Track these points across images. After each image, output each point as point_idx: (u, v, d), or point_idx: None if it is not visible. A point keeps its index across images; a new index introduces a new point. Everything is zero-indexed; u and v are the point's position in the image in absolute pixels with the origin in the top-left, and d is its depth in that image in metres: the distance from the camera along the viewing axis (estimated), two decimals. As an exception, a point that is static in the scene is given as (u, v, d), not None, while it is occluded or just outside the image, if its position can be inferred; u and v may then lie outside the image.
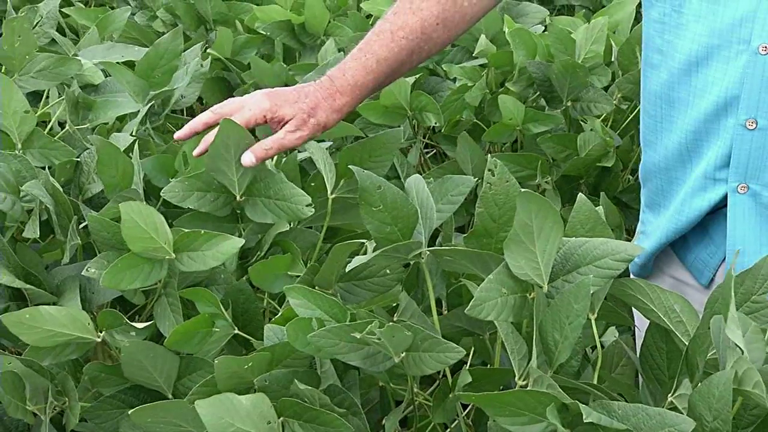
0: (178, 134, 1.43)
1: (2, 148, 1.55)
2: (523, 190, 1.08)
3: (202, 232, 1.34)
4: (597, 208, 1.17)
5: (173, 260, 1.33)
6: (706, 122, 1.33)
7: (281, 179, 1.47)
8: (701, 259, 1.42)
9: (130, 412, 1.16)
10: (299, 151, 1.79)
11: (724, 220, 1.36)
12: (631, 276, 1.49)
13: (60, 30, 2.36)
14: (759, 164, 1.31)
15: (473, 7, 1.45)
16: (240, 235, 1.48)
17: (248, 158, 1.38)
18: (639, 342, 1.48)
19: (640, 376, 1.21)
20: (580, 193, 1.17)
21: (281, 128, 1.41)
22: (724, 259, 1.38)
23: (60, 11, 2.41)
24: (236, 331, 1.34)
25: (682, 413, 1.06)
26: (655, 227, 1.46)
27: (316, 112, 1.41)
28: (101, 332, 1.31)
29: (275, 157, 1.59)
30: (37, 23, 2.18)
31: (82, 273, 1.35)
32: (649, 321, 1.17)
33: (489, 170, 1.15)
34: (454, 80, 2.43)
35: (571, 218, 1.17)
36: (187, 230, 1.34)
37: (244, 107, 1.40)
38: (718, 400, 0.97)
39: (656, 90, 1.41)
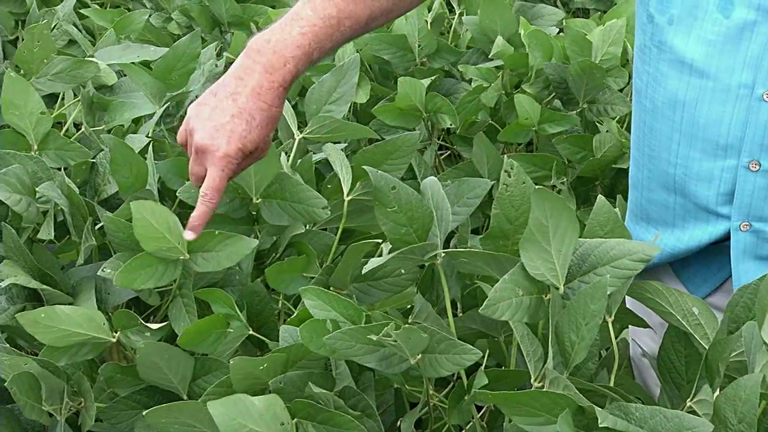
0: (189, 236, 1.31)
1: (19, 150, 1.56)
2: (538, 188, 1.07)
3: (216, 232, 1.34)
4: (615, 209, 1.17)
5: (187, 260, 1.33)
6: (702, 161, 1.31)
7: (297, 182, 1.47)
8: (700, 275, 1.40)
9: (144, 413, 1.16)
10: (314, 153, 1.80)
11: (723, 251, 1.34)
12: None
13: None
14: (762, 204, 1.30)
15: None
16: (256, 237, 1.48)
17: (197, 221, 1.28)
18: (632, 344, 1.47)
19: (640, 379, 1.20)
20: (600, 195, 1.16)
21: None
22: (725, 281, 1.37)
23: (76, 12, 2.42)
24: (251, 332, 1.34)
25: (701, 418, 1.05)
26: (645, 238, 1.43)
27: (271, 120, 1.29)
28: (116, 333, 1.31)
29: (290, 159, 1.59)
30: (55, 25, 2.19)
31: (98, 273, 1.35)
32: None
33: (505, 171, 1.15)
34: (470, 81, 2.42)
35: (590, 220, 1.16)
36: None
37: (224, 166, 1.28)
38: (745, 403, 0.96)
39: (639, 114, 1.39)
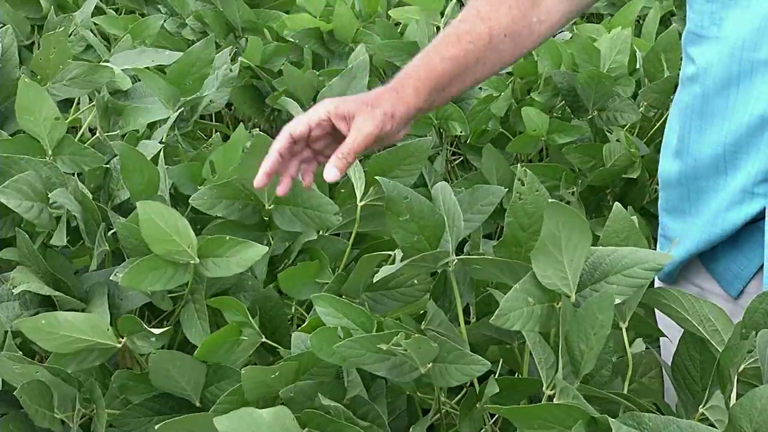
0: (257, 184, 1.32)
1: (33, 155, 1.56)
2: (551, 201, 1.07)
3: (227, 238, 1.34)
4: (632, 217, 1.17)
5: (198, 265, 1.33)
6: (748, 136, 1.32)
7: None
8: (731, 271, 1.40)
9: (156, 427, 1.16)
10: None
11: (756, 233, 1.34)
12: (656, 283, 1.48)
13: (92, 38, 2.38)
14: None
15: (542, 25, 1.41)
16: (268, 243, 1.48)
17: (331, 173, 1.29)
18: (664, 352, 1.47)
19: (669, 385, 1.20)
20: (617, 203, 1.16)
21: (349, 128, 1.33)
22: (757, 271, 1.37)
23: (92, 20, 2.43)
24: (263, 340, 1.35)
25: (714, 425, 1.05)
26: (681, 234, 1.44)
27: (380, 102, 1.34)
28: (122, 338, 1.31)
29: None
30: (72, 31, 2.20)
31: (111, 278, 1.35)
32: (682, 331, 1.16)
33: (519, 180, 1.15)
34: (480, 89, 2.42)
35: (606, 227, 1.16)
36: (211, 237, 1.34)
37: (304, 114, 1.35)
38: (761, 413, 0.96)
39: (688, 100, 1.40)
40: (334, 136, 1.33)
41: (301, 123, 1.32)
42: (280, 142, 1.31)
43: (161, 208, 1.29)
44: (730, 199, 1.35)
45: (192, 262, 1.32)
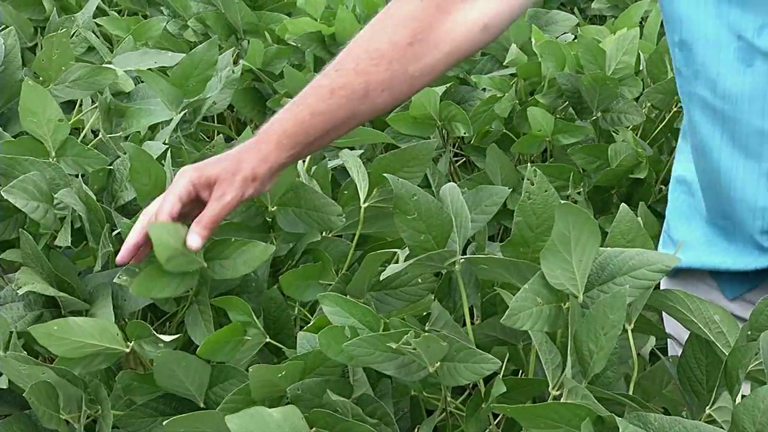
0: (119, 258, 1.32)
1: (36, 156, 1.56)
2: (562, 202, 1.07)
3: (233, 239, 1.34)
4: (637, 218, 1.17)
5: (205, 269, 1.33)
6: (744, 193, 1.33)
7: (312, 189, 1.47)
8: (737, 279, 1.40)
9: (163, 423, 1.16)
10: (329, 159, 1.80)
11: None
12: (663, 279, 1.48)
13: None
14: None
15: (422, 78, 1.34)
16: (272, 244, 1.48)
17: (193, 240, 1.28)
18: (671, 353, 1.47)
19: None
20: (623, 204, 1.16)
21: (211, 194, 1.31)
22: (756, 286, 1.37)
23: (94, 20, 2.43)
24: (268, 340, 1.34)
25: (721, 426, 1.05)
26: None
27: (241, 165, 1.29)
28: (130, 342, 1.31)
29: (305, 165, 1.60)
30: (75, 32, 2.20)
31: (114, 281, 1.35)
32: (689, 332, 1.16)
33: (528, 180, 1.15)
34: (484, 90, 2.42)
35: (612, 228, 1.16)
36: (217, 239, 1.34)
37: (170, 188, 1.31)
38: (764, 413, 0.96)
39: (692, 150, 1.41)
40: (198, 199, 1.31)
41: (173, 204, 1.29)
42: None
43: (170, 226, 1.28)
44: (742, 244, 1.37)
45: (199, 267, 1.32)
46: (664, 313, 1.25)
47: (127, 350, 1.29)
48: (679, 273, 1.47)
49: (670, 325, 1.33)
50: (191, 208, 1.31)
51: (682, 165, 1.47)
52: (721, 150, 1.32)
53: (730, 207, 1.34)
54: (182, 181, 1.29)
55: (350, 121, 1.33)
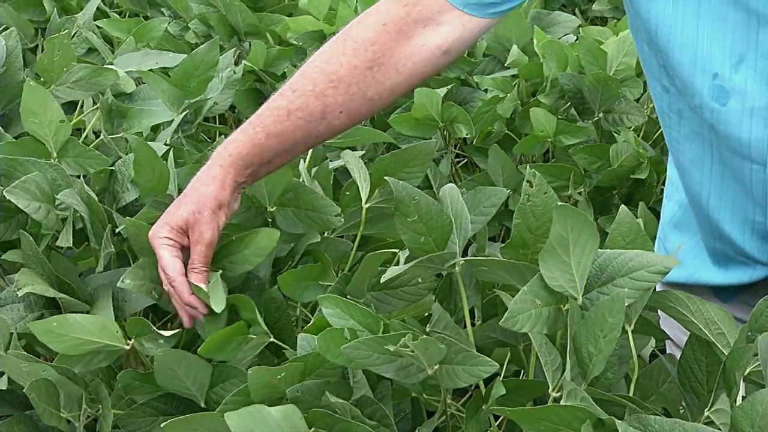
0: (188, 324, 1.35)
1: (38, 157, 1.56)
2: (560, 203, 1.07)
3: (233, 237, 1.35)
4: (637, 220, 1.17)
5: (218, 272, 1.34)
6: (734, 212, 1.33)
7: (311, 190, 1.47)
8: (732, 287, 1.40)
9: (162, 425, 1.16)
10: (331, 160, 1.80)
11: None
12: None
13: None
14: None
15: (382, 100, 1.33)
16: (272, 245, 1.49)
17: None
18: (668, 352, 1.47)
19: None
20: (622, 206, 1.16)
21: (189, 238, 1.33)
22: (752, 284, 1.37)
23: (94, 23, 2.43)
24: (272, 339, 1.35)
25: (719, 428, 1.05)
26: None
27: (203, 200, 1.30)
28: (130, 340, 1.31)
29: (306, 165, 1.60)
30: (75, 33, 2.20)
31: (118, 285, 1.36)
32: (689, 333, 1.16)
33: (527, 181, 1.15)
34: (486, 90, 2.42)
35: (612, 229, 1.16)
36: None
37: (159, 257, 1.31)
38: (762, 417, 0.96)
39: (675, 169, 1.42)
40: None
41: (176, 259, 1.31)
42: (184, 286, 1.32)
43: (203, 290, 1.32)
44: (734, 259, 1.37)
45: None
46: (660, 312, 1.24)
47: (128, 347, 1.29)
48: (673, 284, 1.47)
49: (666, 324, 1.33)
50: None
51: (675, 174, 1.47)
52: (711, 170, 1.32)
53: (718, 223, 1.34)
54: (162, 241, 1.30)
55: (306, 141, 1.33)
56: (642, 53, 1.33)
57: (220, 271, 1.34)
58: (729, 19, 1.21)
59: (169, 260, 1.30)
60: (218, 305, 1.30)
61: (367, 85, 1.30)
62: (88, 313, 1.39)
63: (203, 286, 1.31)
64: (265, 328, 1.34)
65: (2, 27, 2.35)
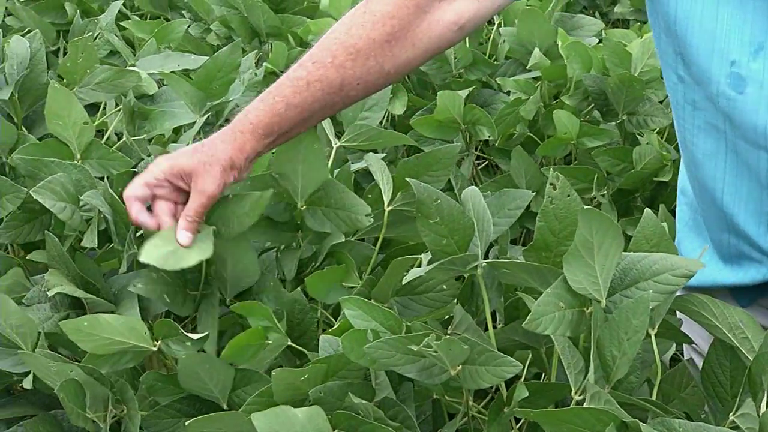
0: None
1: (62, 159, 1.57)
2: (585, 207, 1.07)
3: (230, 196, 1.36)
4: (662, 223, 1.16)
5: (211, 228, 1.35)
6: (748, 203, 1.32)
7: (342, 188, 1.47)
8: (753, 290, 1.39)
9: (186, 424, 1.17)
10: (352, 162, 1.80)
11: None
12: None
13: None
14: None
15: (397, 73, 1.35)
16: (298, 245, 1.49)
17: (182, 237, 1.33)
18: (686, 357, 1.46)
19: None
20: (646, 209, 1.16)
21: (189, 185, 1.35)
22: None
23: (117, 24, 2.45)
24: (289, 343, 1.35)
25: (744, 432, 1.04)
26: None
27: (218, 155, 1.33)
28: (157, 341, 1.32)
29: (328, 168, 1.60)
30: (97, 35, 2.21)
31: (129, 289, 1.36)
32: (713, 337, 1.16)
33: (551, 184, 1.15)
34: (508, 93, 2.42)
35: (636, 233, 1.16)
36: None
37: (140, 174, 1.36)
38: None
39: (686, 163, 1.40)
40: (179, 189, 1.35)
41: (138, 187, 1.35)
42: (130, 207, 1.35)
43: (157, 236, 1.34)
44: (747, 255, 1.35)
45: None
46: (680, 316, 1.24)
47: (154, 349, 1.30)
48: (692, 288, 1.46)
49: (686, 328, 1.33)
50: (167, 191, 1.35)
51: (683, 175, 1.46)
52: (726, 163, 1.31)
53: (732, 217, 1.33)
54: (153, 171, 1.34)
55: (323, 112, 1.36)
56: (659, 42, 1.33)
57: (214, 227, 1.35)
58: (749, 7, 1.20)
59: (134, 189, 1.35)
60: (204, 254, 1.32)
61: (384, 58, 1.32)
62: (113, 313, 1.40)
63: (189, 235, 1.32)
64: (283, 331, 1.34)
65: (25, 30, 2.37)
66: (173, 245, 1.33)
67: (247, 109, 1.35)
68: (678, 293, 1.41)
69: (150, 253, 1.32)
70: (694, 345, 1.41)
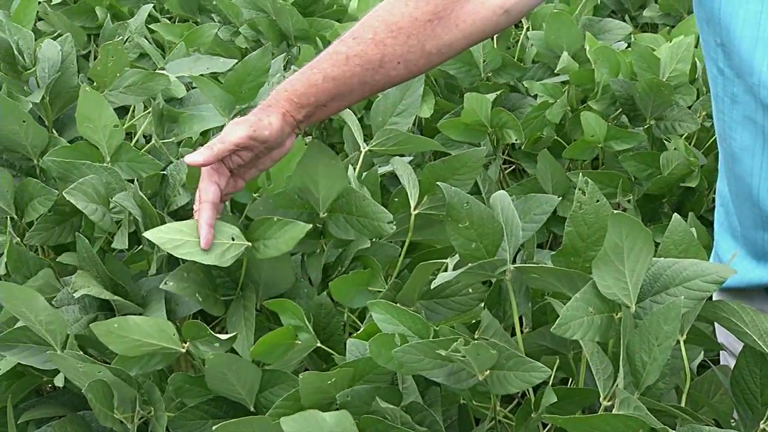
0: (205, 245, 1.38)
1: (92, 161, 1.58)
2: (615, 212, 1.06)
3: (275, 219, 1.37)
4: (690, 229, 1.16)
5: (250, 248, 1.36)
6: None
7: (363, 196, 1.48)
8: None
9: (214, 428, 1.17)
10: (379, 166, 1.80)
11: None
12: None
13: (146, 46, 2.41)
14: None
15: (440, 55, 1.34)
16: (321, 251, 1.49)
17: (191, 157, 1.34)
18: (722, 363, 1.45)
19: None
20: (675, 214, 1.15)
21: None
22: None
23: (146, 27, 2.46)
24: (319, 344, 1.35)
25: (775, 440, 1.03)
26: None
27: (262, 113, 1.35)
28: (186, 343, 1.32)
29: (356, 171, 1.60)
30: (127, 39, 2.23)
31: (159, 287, 1.37)
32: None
33: (579, 189, 1.14)
34: (535, 97, 2.41)
35: (664, 238, 1.15)
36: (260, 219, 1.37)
37: (222, 136, 1.36)
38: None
39: (723, 157, 1.39)
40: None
41: (206, 189, 1.36)
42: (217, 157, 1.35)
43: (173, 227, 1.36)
44: None
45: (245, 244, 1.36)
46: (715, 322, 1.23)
47: (183, 350, 1.31)
48: (727, 290, 1.45)
49: (722, 334, 1.32)
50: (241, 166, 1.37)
51: (721, 176, 1.45)
52: (763, 157, 1.30)
53: (767, 213, 1.32)
54: (240, 133, 1.34)
55: (363, 89, 1.35)
56: (701, 33, 1.33)
57: (249, 244, 1.37)
58: None
59: (203, 185, 1.36)
60: (217, 261, 1.34)
61: (426, 37, 1.31)
62: (141, 315, 1.41)
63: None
64: (313, 333, 1.34)
65: (56, 33, 2.39)
66: (193, 237, 1.34)
67: (285, 82, 1.37)
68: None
69: (159, 232, 1.33)
70: (729, 350, 1.40)
